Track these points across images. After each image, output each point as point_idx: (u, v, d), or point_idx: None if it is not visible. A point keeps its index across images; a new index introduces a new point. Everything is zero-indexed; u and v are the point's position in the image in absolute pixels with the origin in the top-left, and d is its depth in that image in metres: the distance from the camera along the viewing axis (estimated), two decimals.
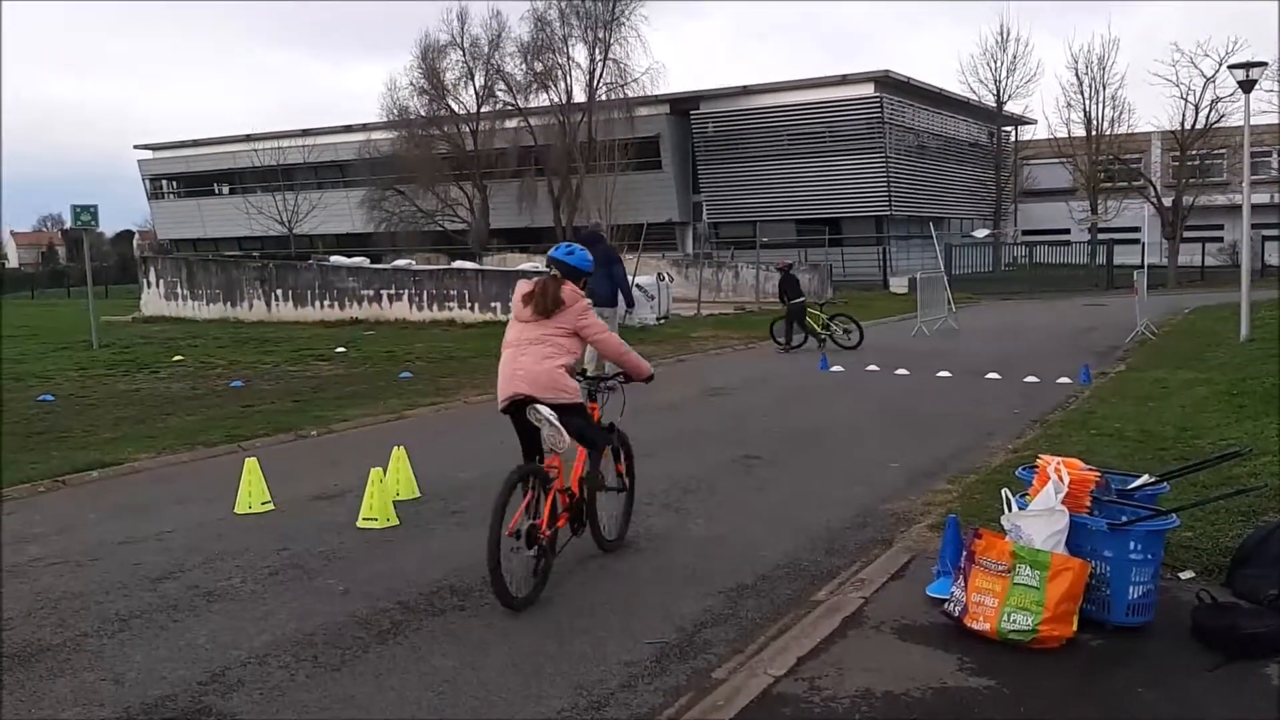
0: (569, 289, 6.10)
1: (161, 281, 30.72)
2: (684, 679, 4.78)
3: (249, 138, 58.80)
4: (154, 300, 30.70)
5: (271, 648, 5.19)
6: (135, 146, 68.21)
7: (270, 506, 7.95)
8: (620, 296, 14.90)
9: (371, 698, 4.62)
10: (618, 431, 6.69)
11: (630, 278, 24.41)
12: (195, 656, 5.10)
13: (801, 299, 19.63)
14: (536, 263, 32.85)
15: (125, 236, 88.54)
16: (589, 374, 6.81)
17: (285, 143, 56.48)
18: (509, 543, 5.51)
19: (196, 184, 65.33)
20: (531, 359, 5.91)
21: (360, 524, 7.39)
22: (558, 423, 5.77)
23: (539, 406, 5.78)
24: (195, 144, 64.07)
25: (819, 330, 19.49)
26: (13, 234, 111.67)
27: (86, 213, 22.15)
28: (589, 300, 6.32)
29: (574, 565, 6.44)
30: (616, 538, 6.78)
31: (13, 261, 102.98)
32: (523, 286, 6.19)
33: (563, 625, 5.43)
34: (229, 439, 10.86)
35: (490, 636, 5.30)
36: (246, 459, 8.27)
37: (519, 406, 5.89)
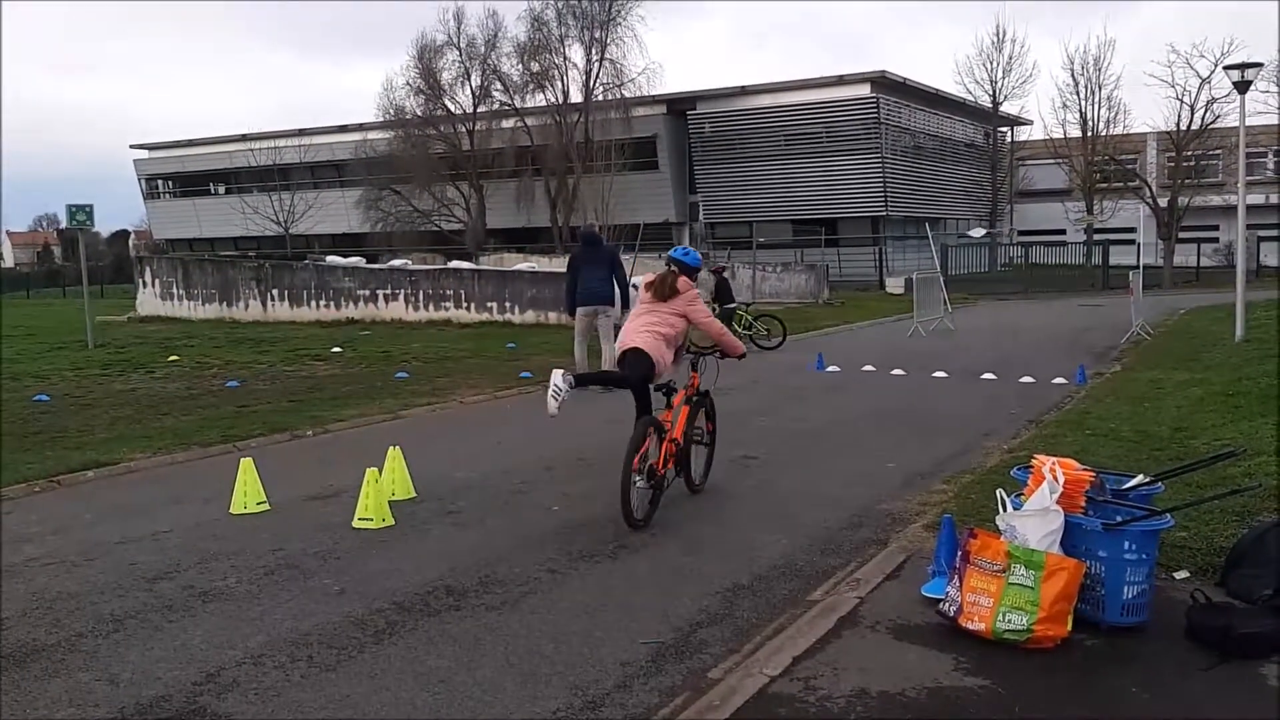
0: (684, 281, 7.90)
1: (157, 281, 30.67)
2: (680, 679, 4.79)
3: (245, 137, 58.75)
4: (150, 300, 30.65)
5: (267, 648, 5.19)
6: (131, 146, 68.20)
7: (266, 506, 7.94)
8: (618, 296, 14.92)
9: (367, 698, 4.61)
10: (709, 396, 8.40)
11: (729, 275, 24.50)
12: (190, 657, 5.09)
13: (733, 304, 19.92)
14: (533, 263, 32.86)
15: (121, 236, 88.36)
16: (692, 349, 8.34)
17: (281, 142, 56.46)
18: (634, 478, 7.10)
19: (192, 184, 65.28)
20: (636, 327, 7.78)
21: (356, 524, 7.39)
22: (560, 393, 7.22)
23: (558, 374, 7.26)
24: (191, 144, 64.04)
25: (741, 331, 19.60)
26: (8, 233, 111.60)
27: (82, 212, 22.10)
28: (697, 290, 8.00)
29: (570, 565, 6.45)
30: (700, 482, 8.38)
31: (8, 261, 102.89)
32: (647, 277, 8.15)
33: (559, 625, 5.43)
34: (224, 439, 10.85)
35: (486, 637, 5.29)
36: (242, 459, 8.26)
37: (626, 356, 7.74)
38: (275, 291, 28.61)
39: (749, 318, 20.23)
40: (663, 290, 7.82)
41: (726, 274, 20.35)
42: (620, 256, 15.32)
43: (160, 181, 67.53)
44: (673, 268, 7.99)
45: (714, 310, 19.07)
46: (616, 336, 8.36)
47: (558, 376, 7.25)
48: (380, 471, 7.81)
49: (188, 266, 31.05)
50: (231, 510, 7.87)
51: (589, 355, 14.35)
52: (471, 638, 5.29)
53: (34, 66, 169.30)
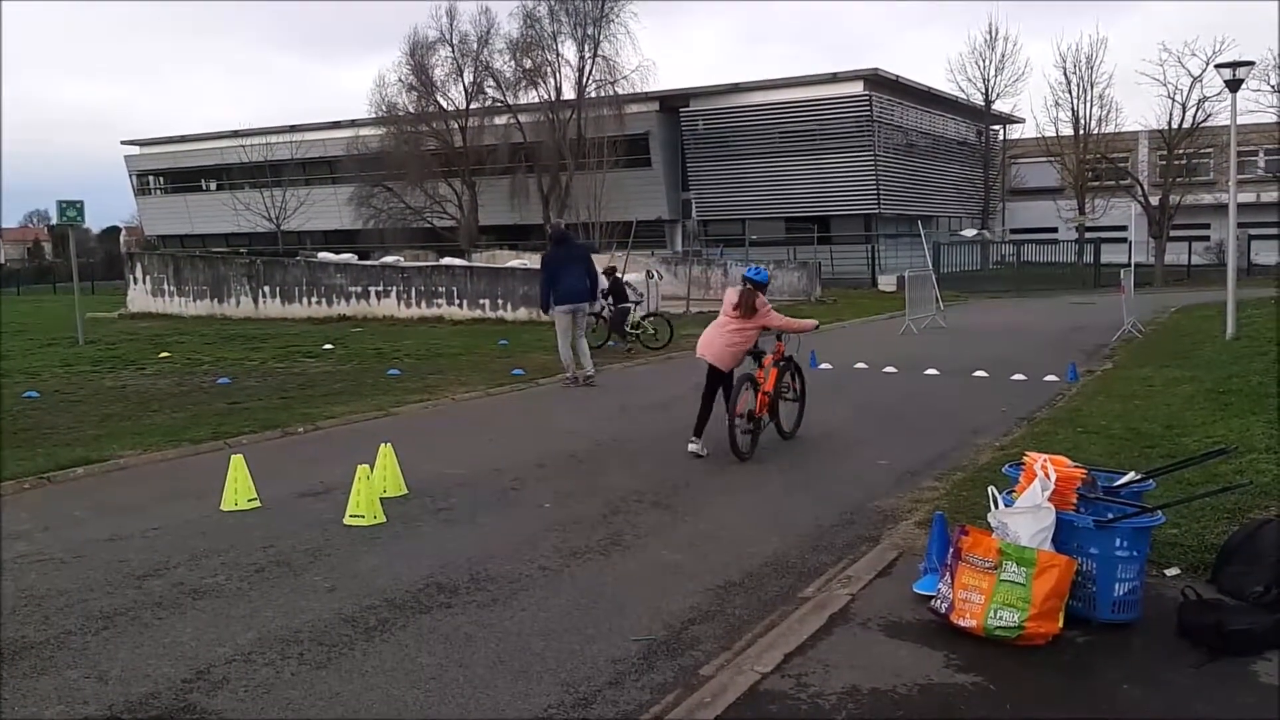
0: (760, 299, 9.65)
1: (148, 278, 30.59)
2: (671, 676, 4.78)
3: (236, 133, 58.50)
4: (140, 297, 30.57)
5: (257, 645, 5.17)
6: (122, 142, 68.07)
7: (256, 503, 7.92)
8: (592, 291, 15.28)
9: (358, 695, 4.60)
10: (793, 360, 10.41)
11: (621, 275, 24.45)
12: (180, 654, 5.07)
13: (627, 304, 19.92)
14: (525, 259, 32.78)
15: (112, 233, 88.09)
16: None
17: (273, 139, 56.26)
18: (740, 423, 9.30)
19: (184, 180, 65.05)
20: (722, 341, 9.65)
21: (347, 521, 7.37)
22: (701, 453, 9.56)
23: (692, 446, 9.62)
24: (183, 140, 63.79)
25: (630, 330, 19.62)
26: None
27: (72, 209, 22.02)
28: (768, 304, 9.83)
29: (562, 562, 6.44)
30: (791, 431, 10.37)
31: None
32: (731, 295, 9.77)
33: (550, 622, 5.43)
34: (215, 436, 10.81)
35: (477, 634, 5.28)
36: (233, 456, 8.24)
37: (710, 367, 9.73)
38: (267, 288, 28.55)
39: (636, 317, 20.09)
40: (746, 309, 9.56)
41: (619, 274, 20.30)
42: (590, 254, 15.67)
43: (151, 177, 67.27)
44: (749, 285, 9.70)
45: (606, 308, 19.31)
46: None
47: (693, 447, 9.60)
48: (371, 468, 7.80)
49: (179, 263, 30.97)
50: (222, 507, 7.84)
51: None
52: (463, 635, 5.28)
53: (26, 64, 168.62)
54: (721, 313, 9.79)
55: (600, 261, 19.99)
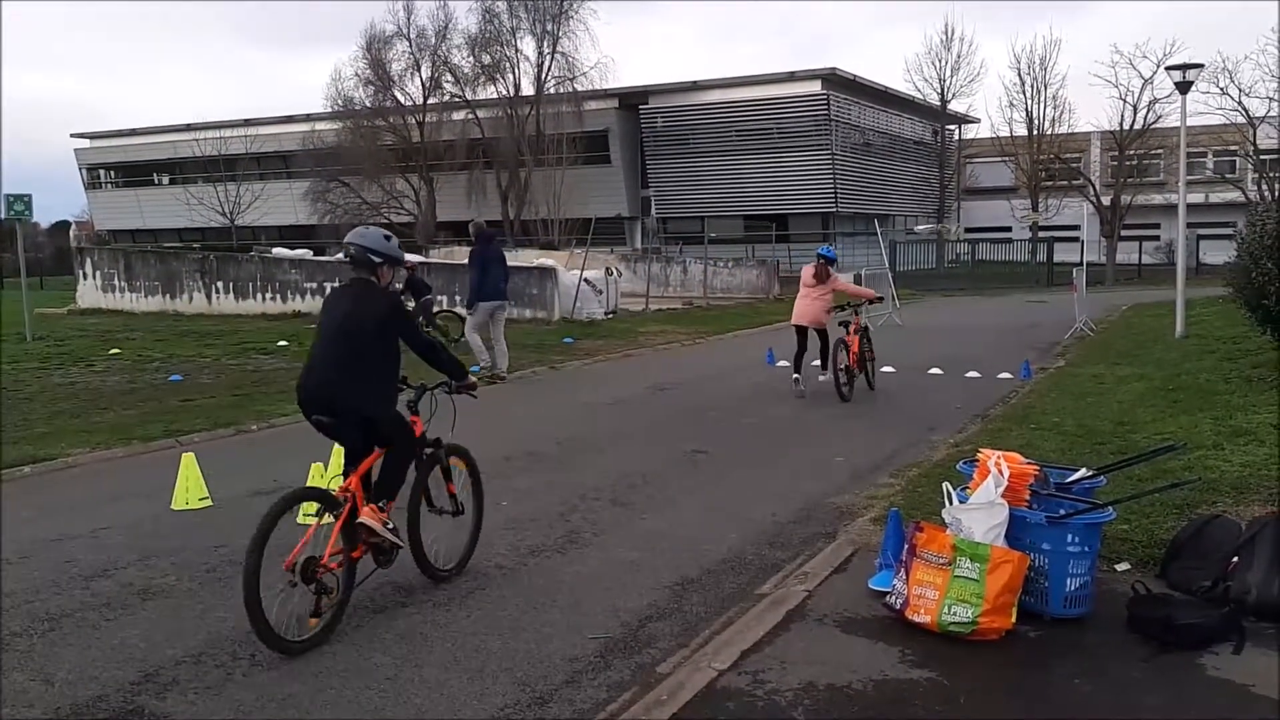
0: (831, 271, 12.98)
1: (98, 273, 30.05)
2: (628, 674, 4.77)
3: (190, 127, 57.69)
4: (90, 292, 30.02)
5: (208, 646, 5.09)
6: (72, 135, 66.69)
7: (208, 503, 7.81)
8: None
9: (311, 696, 4.55)
10: (868, 330, 13.57)
11: (579, 273, 24.37)
12: (128, 656, 4.99)
13: (429, 296, 19.04)
14: None
15: (62, 227, 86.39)
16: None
17: (227, 132, 55.55)
18: (841, 375, 12.68)
19: (135, 174, 63.99)
20: (810, 306, 12.91)
21: (300, 520, 7.26)
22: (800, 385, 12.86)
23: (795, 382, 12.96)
24: (134, 133, 62.70)
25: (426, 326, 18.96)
26: None
27: (20, 202, 21.59)
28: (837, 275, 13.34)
29: (519, 560, 6.41)
30: (872, 385, 13.40)
31: None
32: (808, 271, 13.02)
33: (506, 621, 5.40)
34: (167, 434, 10.65)
35: (433, 633, 5.24)
36: (184, 454, 8.12)
37: (801, 328, 13.02)
38: (220, 284, 28.16)
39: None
40: (821, 277, 12.88)
41: (418, 273, 19.65)
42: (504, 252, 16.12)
43: (102, 171, 66.13)
44: (822, 261, 12.93)
45: (409, 303, 17.96)
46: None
47: (796, 378, 13.11)
48: (326, 466, 7.70)
49: (130, 258, 30.45)
50: (173, 506, 7.73)
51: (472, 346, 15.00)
52: (418, 635, 5.23)
53: None
54: (802, 285, 13.05)
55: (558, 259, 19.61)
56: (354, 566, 5.37)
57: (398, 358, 5.56)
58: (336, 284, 26.28)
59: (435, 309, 20.05)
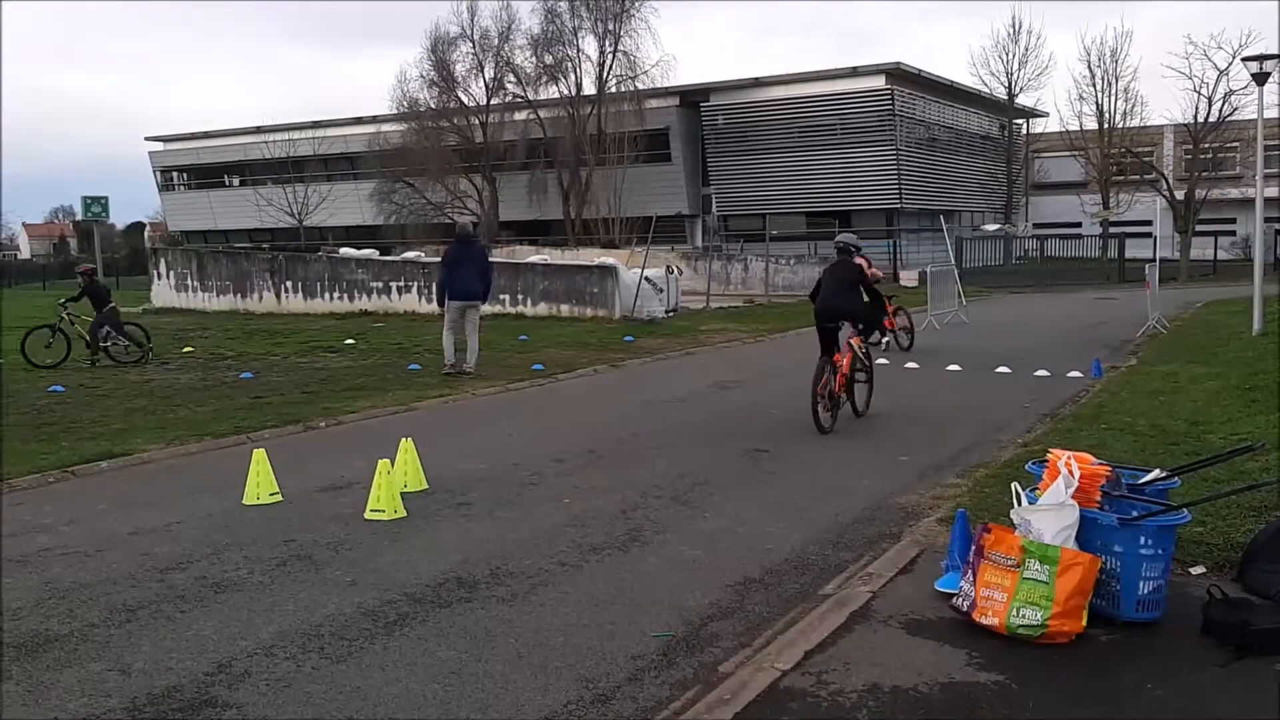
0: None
1: (172, 273, 30.80)
2: (690, 673, 4.77)
3: (259, 129, 58.86)
4: (164, 291, 30.78)
5: (278, 639, 5.19)
6: (146, 138, 68.43)
7: (278, 498, 7.96)
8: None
9: (378, 690, 4.61)
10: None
11: (640, 272, 24.39)
12: (202, 647, 5.10)
13: (111, 306, 17.50)
14: (545, 254, 32.81)
15: (136, 228, 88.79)
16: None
17: (295, 135, 56.55)
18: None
19: (207, 176, 65.47)
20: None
21: (367, 516, 7.39)
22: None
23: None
24: (206, 135, 64.14)
25: (102, 343, 17.25)
26: (25, 226, 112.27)
27: (97, 204, 22.28)
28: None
29: (581, 557, 6.44)
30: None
31: (25, 253, 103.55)
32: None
33: (570, 618, 5.42)
34: (238, 430, 10.87)
35: (496, 629, 5.29)
36: (255, 450, 8.27)
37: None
38: (289, 283, 28.69)
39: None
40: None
41: (97, 281, 18.15)
42: (489, 255, 16.47)
43: (175, 173, 67.77)
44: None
45: (68, 317, 17.20)
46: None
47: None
48: (392, 463, 7.81)
49: (202, 258, 31.15)
50: (244, 501, 7.88)
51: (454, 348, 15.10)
52: (483, 630, 5.28)
53: (53, 61, 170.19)
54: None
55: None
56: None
57: None
58: (402, 283, 26.79)
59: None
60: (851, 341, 11.36)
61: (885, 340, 17.75)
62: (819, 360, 10.88)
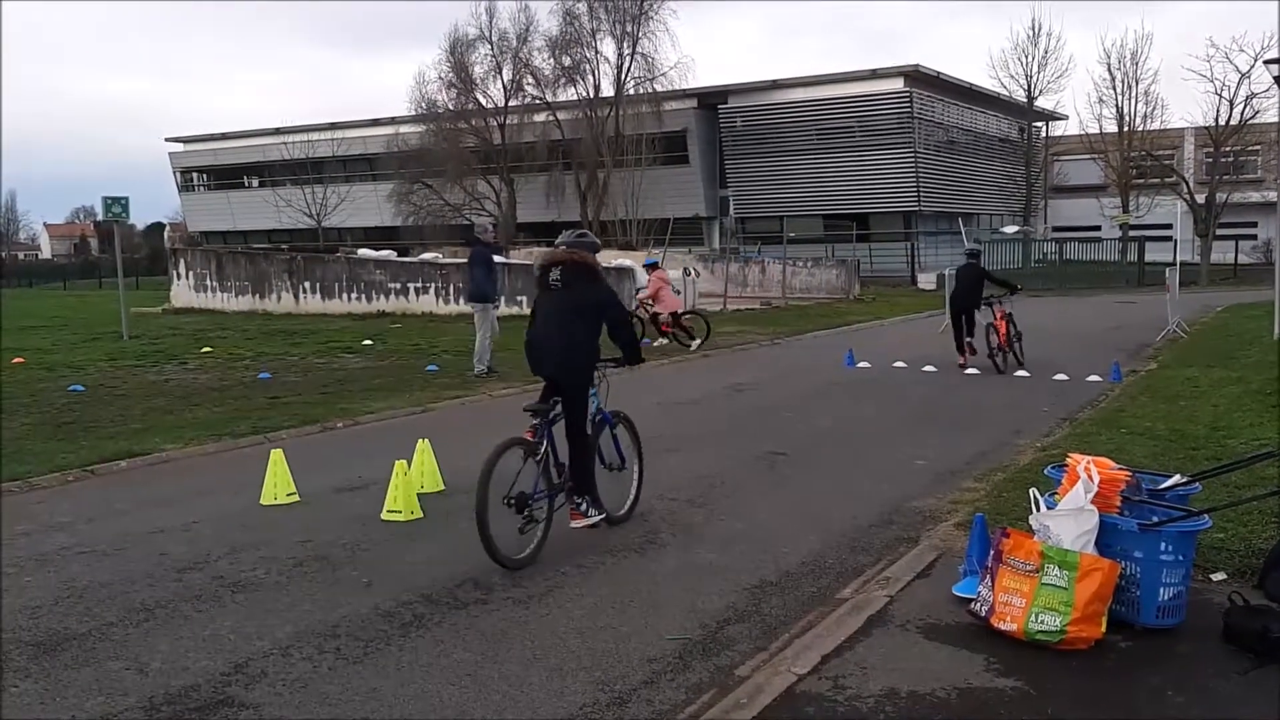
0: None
1: (191, 273, 30.96)
2: (707, 676, 4.75)
3: (278, 130, 59.16)
4: (184, 292, 30.95)
5: (295, 639, 5.20)
6: (166, 139, 68.92)
7: (295, 498, 7.98)
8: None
9: (394, 690, 4.62)
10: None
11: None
12: (219, 647, 5.12)
13: None
14: None
15: (156, 228, 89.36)
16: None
17: (314, 136, 56.80)
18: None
19: (226, 176, 65.88)
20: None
21: (384, 516, 7.41)
22: None
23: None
24: (225, 137, 64.58)
25: None
26: (46, 226, 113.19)
27: (118, 205, 22.31)
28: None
29: (597, 559, 6.43)
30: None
31: (45, 253, 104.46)
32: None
33: (585, 621, 5.42)
34: (255, 430, 10.91)
35: (513, 631, 5.28)
36: (272, 450, 8.30)
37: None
38: (307, 284, 28.79)
39: None
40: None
41: None
42: (496, 255, 16.95)
43: (195, 174, 68.21)
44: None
45: None
46: None
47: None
48: (409, 464, 7.84)
49: (221, 259, 31.30)
50: (262, 501, 7.91)
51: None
52: (499, 632, 5.28)
53: (72, 62, 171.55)
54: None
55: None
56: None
57: None
58: (419, 284, 26.83)
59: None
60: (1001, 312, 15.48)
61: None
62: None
